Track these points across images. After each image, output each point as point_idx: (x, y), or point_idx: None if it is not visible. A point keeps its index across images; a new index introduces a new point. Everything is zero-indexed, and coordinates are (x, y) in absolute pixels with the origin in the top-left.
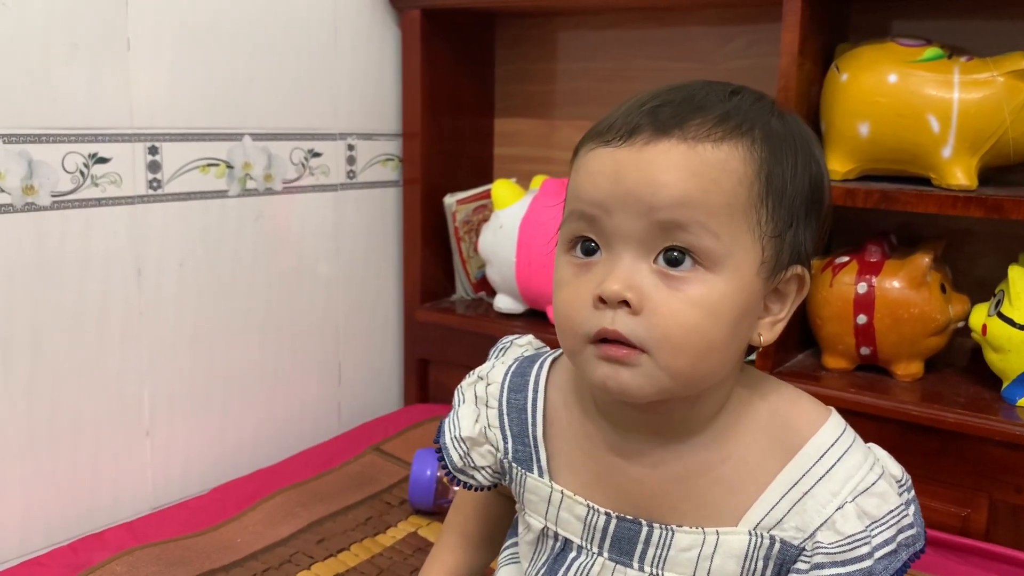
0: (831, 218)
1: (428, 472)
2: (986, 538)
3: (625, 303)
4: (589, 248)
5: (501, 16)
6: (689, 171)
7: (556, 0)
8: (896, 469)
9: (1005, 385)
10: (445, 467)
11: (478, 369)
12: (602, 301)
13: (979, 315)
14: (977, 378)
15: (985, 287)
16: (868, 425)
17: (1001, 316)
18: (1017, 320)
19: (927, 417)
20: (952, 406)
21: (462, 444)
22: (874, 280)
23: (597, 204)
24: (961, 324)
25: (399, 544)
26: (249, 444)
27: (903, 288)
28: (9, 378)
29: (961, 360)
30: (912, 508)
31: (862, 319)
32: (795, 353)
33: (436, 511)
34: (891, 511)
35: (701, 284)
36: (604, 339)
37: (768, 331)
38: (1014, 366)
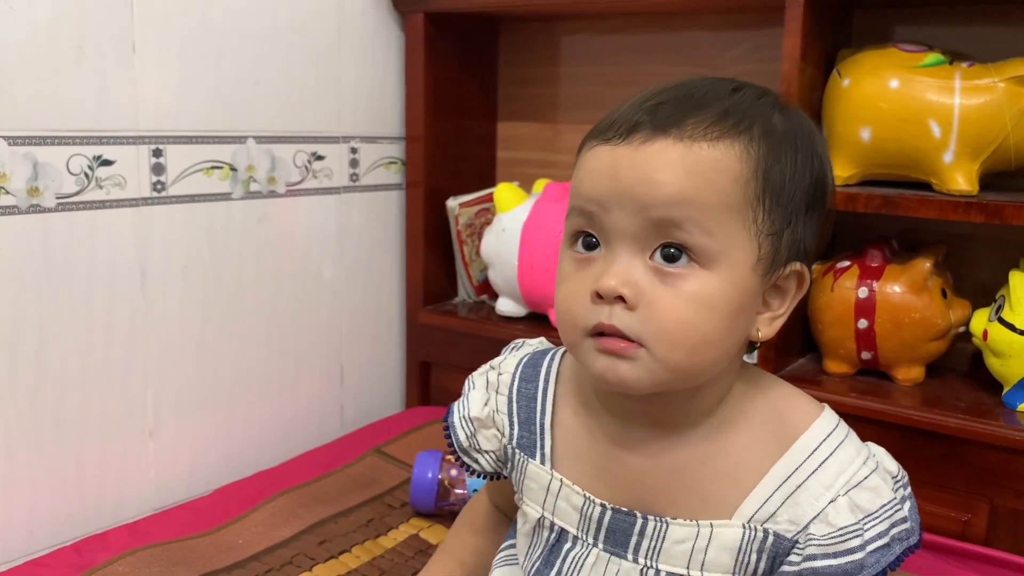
0: (835, 215)
1: (429, 475)
2: (986, 543)
3: (621, 299)
4: (590, 243)
5: (505, 20)
6: (684, 169)
7: (560, 5)
8: (892, 465)
9: (1006, 390)
10: (451, 447)
11: (491, 361)
12: (599, 296)
13: (980, 320)
14: (978, 383)
15: (986, 292)
16: (869, 430)
17: (1002, 321)
18: (1018, 325)
19: (928, 422)
20: (953, 411)
21: (470, 424)
22: (875, 285)
23: (595, 201)
24: (962, 329)
25: (400, 546)
26: (252, 445)
27: (904, 293)
28: (14, 379)
29: (962, 365)
30: (908, 504)
31: (863, 324)
32: (796, 357)
33: (437, 513)
34: (884, 505)
35: (696, 280)
36: (602, 332)
37: (767, 326)
38: (1015, 371)
